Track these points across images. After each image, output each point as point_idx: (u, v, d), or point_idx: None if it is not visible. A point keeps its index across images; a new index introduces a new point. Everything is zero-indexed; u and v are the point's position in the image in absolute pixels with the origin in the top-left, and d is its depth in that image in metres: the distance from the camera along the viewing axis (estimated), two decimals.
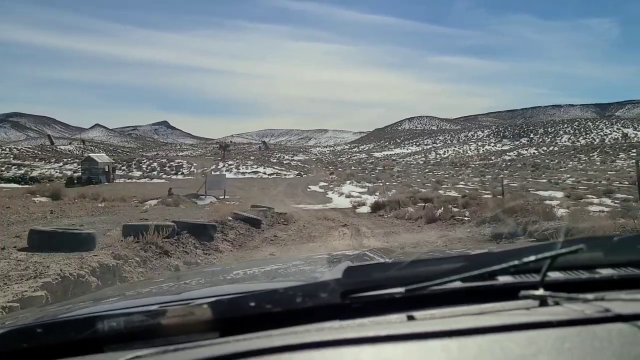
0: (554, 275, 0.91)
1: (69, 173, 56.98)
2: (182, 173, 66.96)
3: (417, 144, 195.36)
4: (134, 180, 55.70)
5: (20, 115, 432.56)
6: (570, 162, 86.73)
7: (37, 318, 1.17)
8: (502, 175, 51.59)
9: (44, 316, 1.22)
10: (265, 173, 66.20)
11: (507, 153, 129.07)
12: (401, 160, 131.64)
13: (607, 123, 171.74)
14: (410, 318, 0.79)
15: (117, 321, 0.83)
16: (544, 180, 44.79)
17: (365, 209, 23.63)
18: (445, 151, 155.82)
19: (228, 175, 67.21)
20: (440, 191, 33.63)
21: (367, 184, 40.62)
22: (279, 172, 68.49)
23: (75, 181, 48.07)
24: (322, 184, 45.30)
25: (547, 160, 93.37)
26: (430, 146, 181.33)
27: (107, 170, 50.80)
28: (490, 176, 54.21)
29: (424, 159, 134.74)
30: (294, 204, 28.76)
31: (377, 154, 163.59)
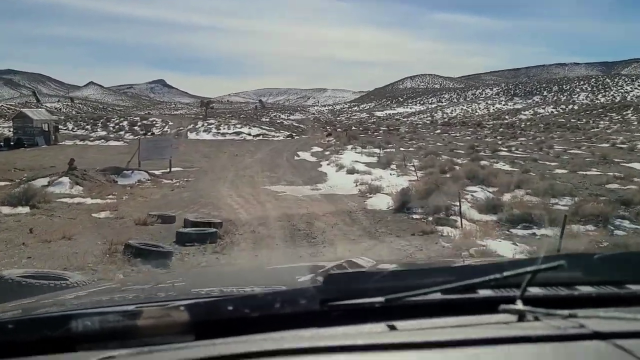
0: (534, 290, 0.91)
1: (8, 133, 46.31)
2: (152, 133, 56.42)
3: (421, 102, 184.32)
4: (86, 143, 45.30)
5: (13, 72, 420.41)
6: (601, 122, 76.33)
7: (8, 314, 1.12)
8: (541, 140, 41.23)
9: (16, 312, 1.16)
10: (250, 134, 55.68)
11: (522, 112, 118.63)
12: (405, 120, 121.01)
13: (627, 80, 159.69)
14: (390, 328, 0.80)
15: (91, 320, 0.82)
16: (604, 145, 34.48)
17: (382, 201, 13.48)
18: (452, 110, 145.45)
19: (206, 136, 56.76)
20: (484, 162, 23.40)
21: (376, 151, 30.19)
22: (267, 132, 57.94)
23: (2, 144, 37.73)
24: (315, 149, 34.91)
25: (572, 120, 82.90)
26: (435, 105, 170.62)
27: (46, 129, 40.28)
28: (523, 139, 43.80)
29: (430, 118, 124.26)
30: (267, 184, 18.61)
31: (378, 113, 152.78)
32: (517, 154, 29.09)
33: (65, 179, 16.89)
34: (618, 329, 0.73)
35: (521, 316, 0.79)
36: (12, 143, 37.66)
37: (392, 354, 0.68)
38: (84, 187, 16.49)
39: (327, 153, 30.90)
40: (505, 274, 0.83)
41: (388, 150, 31.45)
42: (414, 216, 11.38)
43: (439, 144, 38.85)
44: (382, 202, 13.40)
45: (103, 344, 0.79)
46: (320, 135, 55.82)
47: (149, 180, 19.00)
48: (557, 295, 0.92)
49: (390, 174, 20.05)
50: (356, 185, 17.21)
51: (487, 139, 44.53)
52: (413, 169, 19.96)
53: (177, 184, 18.54)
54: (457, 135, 55.36)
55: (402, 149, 32.26)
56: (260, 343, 0.73)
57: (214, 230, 8.65)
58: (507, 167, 22.16)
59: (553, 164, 23.41)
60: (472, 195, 14.68)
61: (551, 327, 0.74)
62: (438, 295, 0.85)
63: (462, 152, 30.39)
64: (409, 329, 0.79)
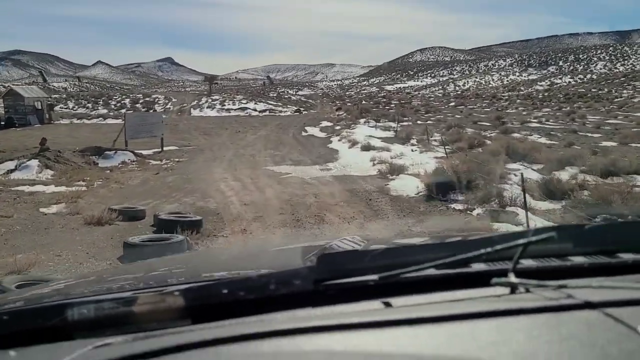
0: (526, 262, 0.91)
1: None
2: (154, 111, 53.96)
3: (432, 75, 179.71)
4: (83, 121, 42.97)
5: (22, 52, 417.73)
6: (624, 91, 72.58)
7: (2, 305, 1.10)
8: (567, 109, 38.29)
9: (11, 303, 1.14)
10: (255, 110, 52.97)
11: (538, 83, 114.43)
12: (416, 93, 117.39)
13: None
14: (385, 305, 0.81)
15: (87, 308, 0.83)
16: (637, 115, 31.47)
17: (409, 185, 10.91)
18: (464, 82, 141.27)
19: (210, 112, 54.07)
20: (516, 135, 20.67)
21: (391, 124, 27.45)
22: (274, 108, 55.20)
23: None
24: (324, 124, 32.23)
25: (593, 90, 79.11)
26: (446, 77, 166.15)
27: (39, 107, 37.83)
28: (547, 110, 40.75)
29: (442, 91, 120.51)
30: (270, 164, 16.12)
31: (389, 87, 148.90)
32: (548, 125, 26.25)
33: (34, 162, 14.49)
34: (608, 298, 0.74)
35: (513, 288, 0.80)
36: (2, 123, 35.31)
37: (388, 330, 0.69)
38: (56, 171, 14.11)
39: (337, 128, 28.21)
40: (497, 247, 0.84)
41: (404, 124, 28.71)
42: (455, 206, 8.83)
43: (457, 116, 35.96)
44: (408, 186, 10.85)
45: (100, 331, 0.79)
46: (330, 109, 53.01)
47: (134, 161, 16.57)
48: (549, 266, 0.92)
49: (412, 150, 17.42)
50: (374, 165, 14.64)
51: (507, 110, 41.50)
52: (437, 143, 17.33)
53: (166, 165, 16.07)
54: (474, 107, 52.31)
55: (419, 122, 29.51)
56: (255, 325, 0.73)
57: (181, 239, 6.12)
58: (543, 140, 19.43)
59: (596, 135, 20.64)
60: (514, 174, 12.07)
61: (543, 298, 0.75)
62: (432, 271, 0.84)
63: (487, 124, 27.56)
64: (404, 305, 0.79)
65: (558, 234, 0.86)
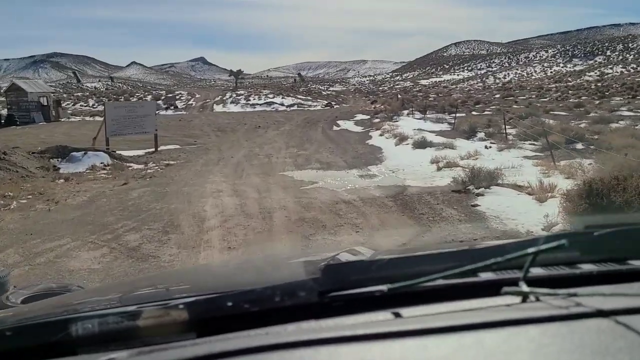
0: (536, 271, 0.90)
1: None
2: (175, 107, 50.30)
3: (469, 68, 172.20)
4: (94, 118, 39.42)
5: (60, 55, 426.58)
6: None
7: (5, 321, 1.09)
8: None
9: (14, 319, 1.13)
10: (283, 104, 48.58)
11: (586, 73, 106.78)
12: (454, 87, 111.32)
13: None
14: (391, 316, 0.80)
15: (91, 323, 0.82)
16: None
17: (516, 205, 6.22)
18: (505, 74, 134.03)
19: (233, 108, 49.96)
20: (611, 125, 15.59)
21: (442, 116, 22.54)
22: (302, 102, 50.76)
23: None
24: (359, 117, 27.56)
25: None
26: (485, 70, 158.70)
27: (45, 104, 34.38)
28: (618, 99, 34.98)
29: (481, 84, 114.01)
30: (290, 168, 11.72)
31: (423, 82, 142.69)
32: None
33: None
34: (619, 306, 0.73)
35: (524, 298, 0.79)
36: (2, 121, 31.95)
37: (396, 341, 0.68)
38: None
39: (375, 121, 23.48)
40: (507, 256, 0.82)
41: (457, 115, 23.81)
42: None
43: (515, 106, 30.71)
44: (517, 208, 6.23)
45: (104, 346, 0.79)
46: (363, 103, 48.21)
47: (107, 165, 12.35)
48: (559, 274, 0.91)
49: (487, 147, 12.65)
50: (438, 169, 10.03)
51: (570, 100, 35.91)
52: (515, 138, 12.50)
53: (148, 171, 11.80)
54: (524, 98, 46.71)
55: (473, 112, 24.54)
56: (260, 337, 0.73)
57: None
58: None
59: None
60: None
61: (554, 307, 0.74)
62: (440, 281, 0.83)
63: (563, 113, 22.38)
64: (412, 316, 0.78)
65: (568, 241, 0.83)
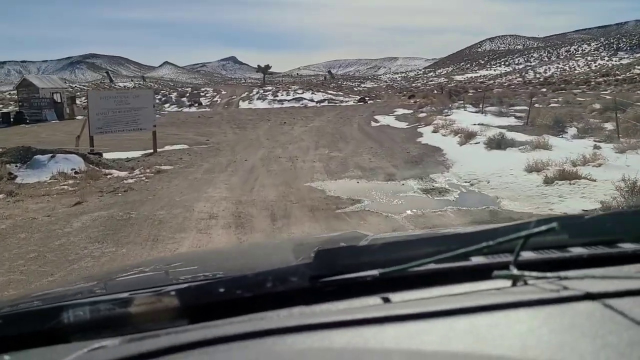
0: (527, 255, 0.91)
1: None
2: (199, 103, 47.67)
3: (506, 63, 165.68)
4: None
5: (95, 56, 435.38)
6: None
7: None
8: None
9: (5, 306, 1.11)
10: (312, 100, 45.34)
11: (635, 66, 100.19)
12: (491, 82, 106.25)
13: None
14: (384, 301, 0.80)
15: (83, 310, 0.83)
16: None
17: None
18: (545, 69, 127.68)
19: (260, 104, 46.85)
20: None
21: (505, 110, 18.86)
22: (333, 98, 47.40)
23: (1, 119, 29.80)
24: (401, 111, 24.07)
25: None
26: (523, 65, 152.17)
27: (59, 101, 32.00)
28: None
29: (520, 78, 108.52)
30: (319, 177, 8.36)
31: (458, 77, 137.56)
32: None
33: None
34: (609, 289, 0.73)
35: (514, 281, 0.80)
36: (11, 119, 29.63)
37: (388, 326, 0.68)
38: None
39: (422, 115, 19.99)
40: (498, 240, 0.82)
41: (517, 108, 20.10)
42: None
43: (579, 99, 26.72)
44: None
45: (96, 333, 0.78)
46: (398, 99, 44.56)
47: (79, 172, 9.31)
48: (549, 258, 0.91)
49: (595, 149, 9.10)
50: (547, 181, 6.66)
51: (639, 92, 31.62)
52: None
53: (125, 182, 8.70)
54: (579, 91, 42.37)
55: (536, 105, 20.78)
56: (253, 323, 0.72)
57: None
58: None
59: None
60: None
61: (544, 290, 0.75)
62: (432, 266, 0.83)
63: None
64: (404, 300, 0.78)
65: (559, 224, 0.83)
